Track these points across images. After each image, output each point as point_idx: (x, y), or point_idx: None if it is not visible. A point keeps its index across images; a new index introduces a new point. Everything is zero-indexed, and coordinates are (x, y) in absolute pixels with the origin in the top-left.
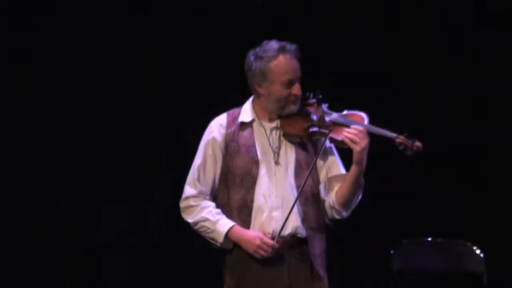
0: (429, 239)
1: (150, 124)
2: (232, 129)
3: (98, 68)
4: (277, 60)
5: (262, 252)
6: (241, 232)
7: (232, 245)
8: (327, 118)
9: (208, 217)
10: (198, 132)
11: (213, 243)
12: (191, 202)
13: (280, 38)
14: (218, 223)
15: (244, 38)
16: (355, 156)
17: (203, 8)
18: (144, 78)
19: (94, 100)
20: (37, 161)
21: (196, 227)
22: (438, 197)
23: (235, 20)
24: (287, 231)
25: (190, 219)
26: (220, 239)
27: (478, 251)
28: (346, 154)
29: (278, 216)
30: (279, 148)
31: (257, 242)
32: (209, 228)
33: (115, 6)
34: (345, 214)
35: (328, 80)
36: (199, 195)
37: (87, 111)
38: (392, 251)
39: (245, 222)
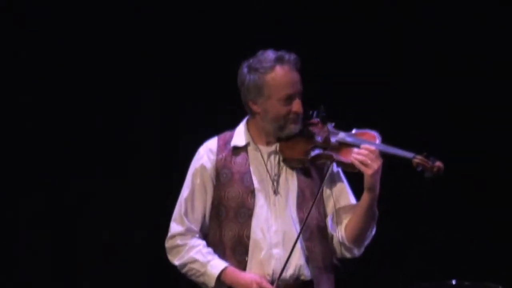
0: (454, 282)
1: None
2: (224, 154)
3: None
4: (273, 72)
5: None
6: (235, 274)
7: None
8: (333, 139)
9: (198, 257)
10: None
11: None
12: (178, 241)
13: (280, 39)
14: (209, 264)
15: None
16: (366, 181)
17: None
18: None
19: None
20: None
21: (184, 270)
22: (464, 231)
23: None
24: (289, 272)
25: (177, 261)
26: (212, 283)
27: None
28: (355, 180)
29: (278, 254)
30: (278, 175)
31: (254, 286)
32: (198, 271)
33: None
34: (356, 252)
35: (327, 81)
36: (187, 232)
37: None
38: None
39: (241, 262)
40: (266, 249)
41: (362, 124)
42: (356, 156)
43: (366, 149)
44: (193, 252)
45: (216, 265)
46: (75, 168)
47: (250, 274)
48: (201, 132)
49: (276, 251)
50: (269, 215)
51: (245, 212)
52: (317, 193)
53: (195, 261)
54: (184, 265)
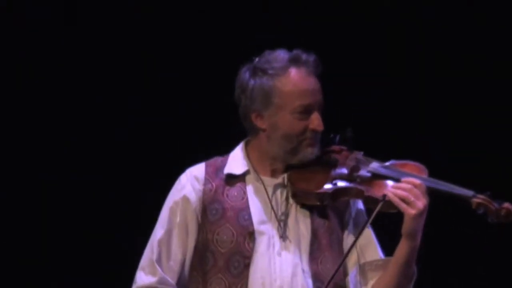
0: None
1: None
2: (214, 184)
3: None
4: (287, 74)
5: None
6: None
7: None
8: (363, 170)
9: None
10: None
11: None
12: None
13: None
14: None
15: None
16: (406, 226)
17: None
18: None
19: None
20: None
21: None
22: None
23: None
24: None
25: None
26: None
27: None
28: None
29: None
30: (286, 215)
31: None
32: None
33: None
34: None
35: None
36: (159, 285)
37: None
38: None
39: None
40: None
41: (362, 126)
42: (395, 190)
43: (409, 182)
44: None
45: None
46: (74, 167)
47: None
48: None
49: None
50: (272, 266)
51: (240, 261)
52: (352, 244)
53: None
54: None
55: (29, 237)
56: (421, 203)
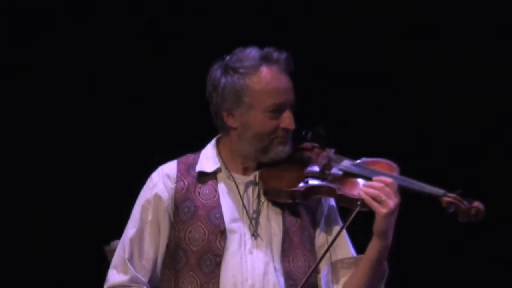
0: None
1: None
2: (186, 182)
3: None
4: (258, 73)
5: None
6: None
7: None
8: (334, 168)
9: None
10: None
11: None
12: None
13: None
14: None
15: None
16: (378, 224)
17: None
18: None
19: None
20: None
21: None
22: None
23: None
24: None
25: None
26: None
27: None
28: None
29: None
30: (258, 213)
31: None
32: None
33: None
34: None
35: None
36: (131, 283)
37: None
38: None
39: None
40: None
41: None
42: (366, 189)
43: (380, 181)
44: None
45: None
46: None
47: None
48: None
49: None
50: (244, 265)
51: (212, 260)
52: (330, 242)
53: None
54: None
55: (29, 237)
56: (392, 202)
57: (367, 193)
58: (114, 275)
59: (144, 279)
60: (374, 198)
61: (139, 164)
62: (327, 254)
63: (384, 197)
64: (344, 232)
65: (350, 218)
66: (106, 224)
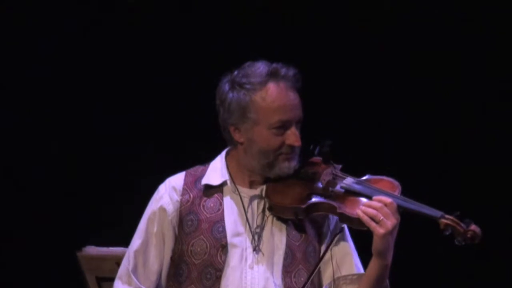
0: None
1: None
2: (192, 195)
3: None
4: (265, 89)
5: None
6: None
7: None
8: (339, 185)
9: None
10: None
11: None
12: None
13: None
14: None
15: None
16: (376, 244)
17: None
18: None
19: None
20: None
21: None
22: None
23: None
24: None
25: None
26: None
27: None
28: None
29: None
30: (261, 228)
31: None
32: None
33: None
34: None
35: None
36: None
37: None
38: None
39: None
40: None
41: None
42: (365, 209)
43: (379, 201)
44: None
45: None
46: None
47: None
48: None
49: None
50: (243, 280)
51: (212, 273)
52: (321, 256)
53: None
54: None
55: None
56: (390, 222)
57: (365, 213)
58: (119, 286)
59: None
60: (372, 218)
61: (118, 170)
62: (331, 270)
63: (382, 217)
64: (350, 247)
65: (333, 242)
66: (79, 230)
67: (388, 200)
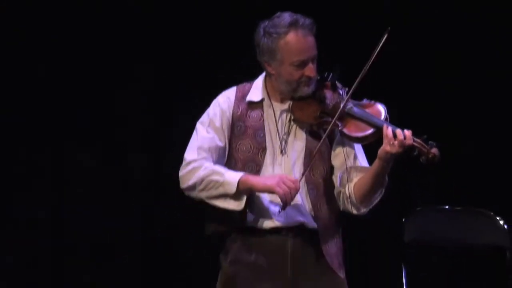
0: (446, 207)
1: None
2: (240, 107)
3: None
4: (287, 37)
5: (285, 188)
6: (256, 177)
7: (243, 204)
8: (342, 107)
9: (215, 169)
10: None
11: (219, 206)
12: (193, 164)
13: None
14: (227, 173)
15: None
16: (382, 153)
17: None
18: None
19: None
20: None
21: (201, 186)
22: (457, 162)
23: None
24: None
25: (192, 181)
26: (232, 189)
27: (501, 222)
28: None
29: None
30: (287, 134)
31: (278, 176)
32: (217, 182)
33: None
34: (363, 210)
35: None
36: (202, 159)
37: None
38: (404, 220)
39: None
40: (267, 203)
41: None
42: (389, 132)
43: (400, 134)
44: (210, 167)
45: (234, 174)
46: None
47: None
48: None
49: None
50: (273, 173)
51: (253, 167)
52: (316, 150)
53: (213, 173)
54: (201, 180)
55: None
56: (394, 148)
57: (387, 135)
58: (189, 155)
59: (212, 162)
60: (389, 140)
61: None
62: (342, 159)
63: (396, 143)
64: (360, 149)
65: (336, 134)
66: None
67: (409, 142)
